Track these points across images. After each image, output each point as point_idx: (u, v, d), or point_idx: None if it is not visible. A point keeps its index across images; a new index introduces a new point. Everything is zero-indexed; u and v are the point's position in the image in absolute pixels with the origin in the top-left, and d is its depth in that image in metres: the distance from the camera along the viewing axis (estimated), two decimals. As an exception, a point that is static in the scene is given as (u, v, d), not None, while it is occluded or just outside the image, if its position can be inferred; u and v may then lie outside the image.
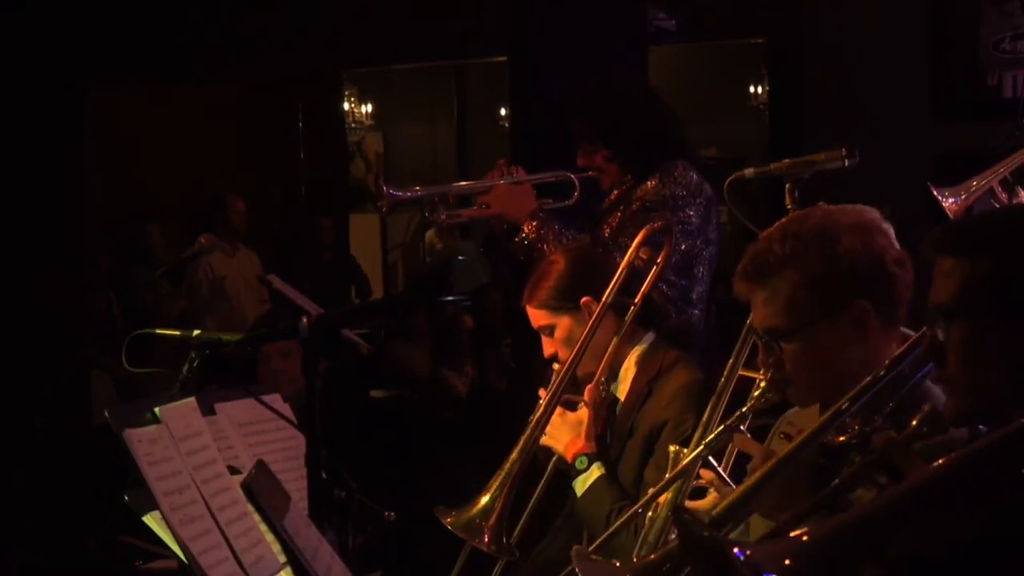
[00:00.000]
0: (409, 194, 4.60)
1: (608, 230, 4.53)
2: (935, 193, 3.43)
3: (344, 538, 3.03)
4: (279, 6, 10.83)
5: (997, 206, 3.45)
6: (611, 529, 3.24)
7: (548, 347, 3.84)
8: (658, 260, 3.76)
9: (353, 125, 12.48)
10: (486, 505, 3.47)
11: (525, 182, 4.59)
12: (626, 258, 3.71)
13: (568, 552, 2.57)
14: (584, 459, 3.65)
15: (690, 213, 4.46)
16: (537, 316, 3.84)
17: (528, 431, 3.56)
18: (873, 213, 2.80)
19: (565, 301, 3.78)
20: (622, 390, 3.79)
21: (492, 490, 3.49)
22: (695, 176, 4.51)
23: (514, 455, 3.53)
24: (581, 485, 3.65)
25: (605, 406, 3.79)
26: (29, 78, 6.38)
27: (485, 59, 10.98)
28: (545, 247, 4.43)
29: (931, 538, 1.98)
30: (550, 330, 3.82)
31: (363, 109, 12.61)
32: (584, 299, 3.75)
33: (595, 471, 3.64)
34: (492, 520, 3.45)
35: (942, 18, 8.64)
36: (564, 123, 4.75)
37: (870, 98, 8.63)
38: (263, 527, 2.85)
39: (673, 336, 3.96)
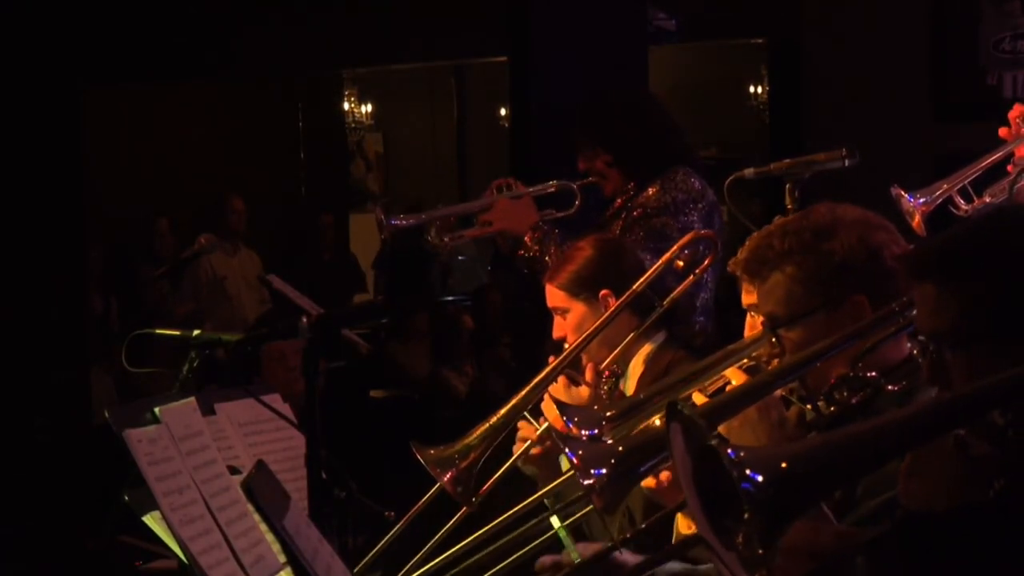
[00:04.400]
0: (411, 222, 4.62)
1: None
2: (896, 194, 3.42)
3: (344, 538, 3.02)
4: (279, 6, 10.83)
5: (954, 211, 3.45)
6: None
7: (559, 329, 3.82)
8: (696, 271, 3.72)
9: (353, 125, 12.50)
10: (461, 448, 3.44)
11: (525, 195, 4.59)
12: (664, 256, 3.68)
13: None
14: None
15: (692, 218, 4.47)
16: (555, 296, 3.82)
17: (526, 390, 3.52)
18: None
19: (584, 288, 3.76)
20: (630, 387, 3.79)
21: (473, 437, 3.46)
22: (697, 182, 4.53)
23: (504, 410, 3.50)
24: (566, 461, 3.62)
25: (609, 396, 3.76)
26: (27, 78, 6.38)
27: (485, 59, 10.98)
28: (548, 259, 4.44)
29: (940, 494, 1.98)
30: (564, 312, 3.81)
31: (363, 109, 12.61)
32: (603, 292, 3.75)
33: None
34: (464, 463, 3.43)
35: (942, 18, 8.65)
36: (564, 124, 4.75)
37: (870, 98, 8.63)
38: (263, 527, 2.85)
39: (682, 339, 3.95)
